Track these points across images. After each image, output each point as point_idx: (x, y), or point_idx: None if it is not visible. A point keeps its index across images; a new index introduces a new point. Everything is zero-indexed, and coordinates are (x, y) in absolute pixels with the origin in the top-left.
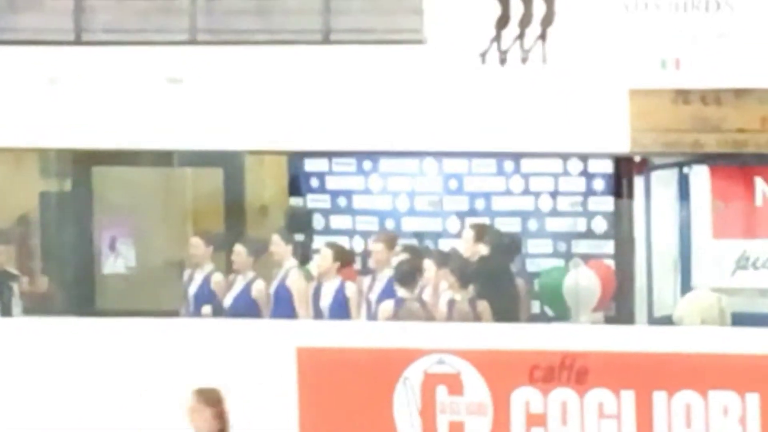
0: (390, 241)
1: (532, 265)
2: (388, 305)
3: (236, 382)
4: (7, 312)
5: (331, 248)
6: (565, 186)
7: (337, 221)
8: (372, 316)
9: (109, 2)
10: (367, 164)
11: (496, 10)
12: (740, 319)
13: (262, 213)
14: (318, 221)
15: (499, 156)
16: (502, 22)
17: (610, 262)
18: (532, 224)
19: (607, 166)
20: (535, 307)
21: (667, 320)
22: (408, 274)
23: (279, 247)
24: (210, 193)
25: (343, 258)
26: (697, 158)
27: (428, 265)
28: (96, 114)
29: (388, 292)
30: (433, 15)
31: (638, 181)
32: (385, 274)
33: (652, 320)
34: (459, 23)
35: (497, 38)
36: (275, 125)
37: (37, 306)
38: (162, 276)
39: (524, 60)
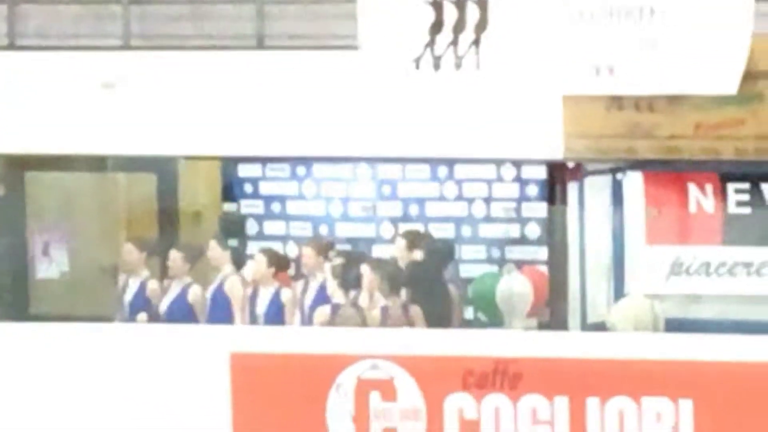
0: (320, 246)
1: (465, 271)
2: (324, 311)
3: (170, 387)
4: None
5: (265, 254)
6: (498, 192)
7: (271, 227)
8: (306, 321)
9: (42, 7)
10: (300, 170)
11: (430, 16)
12: (674, 325)
13: (195, 218)
14: (252, 227)
15: (433, 162)
16: (436, 27)
17: (544, 268)
18: (466, 230)
19: (541, 172)
20: (469, 313)
21: (601, 326)
22: (349, 279)
23: (216, 252)
24: (144, 199)
25: (278, 263)
26: (630, 164)
27: (365, 270)
28: (29, 119)
29: (321, 298)
30: (367, 21)
31: (572, 187)
32: (318, 280)
33: (586, 326)
34: (393, 29)
35: (431, 44)
36: (209, 130)
37: None
38: (96, 281)
39: (458, 66)
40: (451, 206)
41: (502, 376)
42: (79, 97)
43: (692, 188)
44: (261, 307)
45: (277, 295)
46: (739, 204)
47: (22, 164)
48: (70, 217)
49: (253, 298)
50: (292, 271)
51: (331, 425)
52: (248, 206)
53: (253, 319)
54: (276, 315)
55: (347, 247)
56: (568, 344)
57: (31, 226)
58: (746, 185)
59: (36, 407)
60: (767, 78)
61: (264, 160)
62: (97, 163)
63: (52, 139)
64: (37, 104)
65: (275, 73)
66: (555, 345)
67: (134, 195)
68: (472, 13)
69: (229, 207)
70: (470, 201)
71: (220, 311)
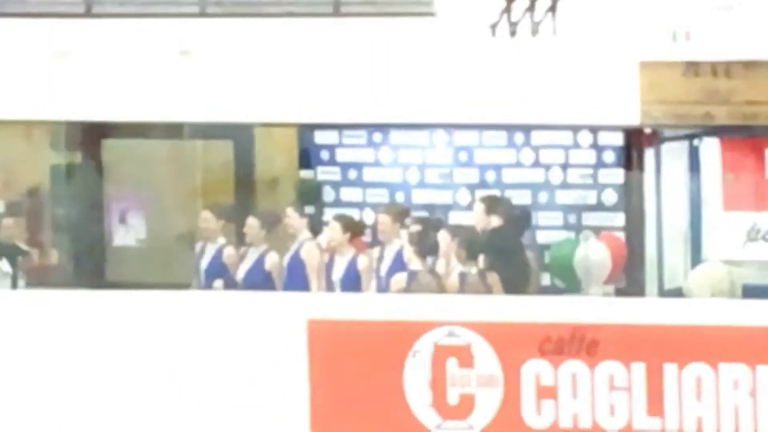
0: (397, 213)
1: (542, 238)
2: (401, 278)
3: (247, 353)
4: (14, 286)
5: (340, 220)
6: (575, 158)
7: (348, 194)
8: (382, 288)
9: None
10: (377, 136)
11: None
12: (751, 291)
13: (272, 185)
14: (328, 194)
15: (510, 128)
16: None
17: (621, 235)
18: (543, 196)
19: (618, 139)
20: (546, 279)
21: (678, 292)
22: (426, 246)
23: (293, 219)
24: (220, 166)
25: (353, 229)
26: (707, 130)
27: (443, 236)
28: (106, 86)
29: (397, 265)
30: None
31: (648, 154)
32: (394, 247)
33: (663, 292)
34: None
35: (507, 10)
36: (285, 98)
37: (47, 279)
38: (173, 248)
39: (534, 32)
40: (528, 173)
41: (579, 343)
42: (155, 65)
43: None
44: (337, 274)
45: (353, 262)
46: None
47: (99, 132)
48: (147, 185)
49: (329, 265)
50: (368, 238)
51: (408, 392)
52: (325, 173)
53: (330, 286)
54: (352, 282)
55: (424, 213)
56: (645, 310)
57: (109, 194)
58: None
59: (112, 374)
60: None
61: (340, 127)
62: (174, 131)
63: (129, 107)
64: (113, 72)
65: (351, 39)
66: (632, 311)
67: (211, 162)
68: None
69: (305, 174)
70: (547, 167)
71: (297, 278)
